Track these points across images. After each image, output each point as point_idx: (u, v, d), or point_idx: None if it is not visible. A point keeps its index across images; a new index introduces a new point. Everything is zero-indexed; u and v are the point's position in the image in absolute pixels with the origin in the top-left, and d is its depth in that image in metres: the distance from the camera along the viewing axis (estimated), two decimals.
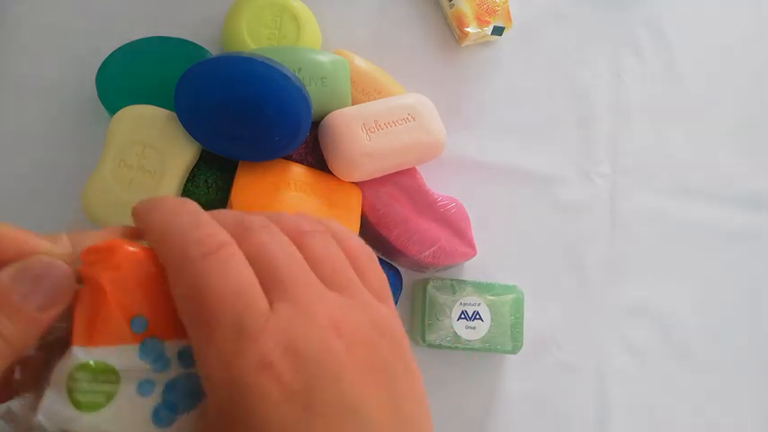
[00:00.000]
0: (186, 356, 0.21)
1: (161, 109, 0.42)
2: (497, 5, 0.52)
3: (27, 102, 0.46)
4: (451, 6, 0.51)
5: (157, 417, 0.20)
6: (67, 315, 0.20)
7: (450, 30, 0.53)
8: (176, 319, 0.20)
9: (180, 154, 0.42)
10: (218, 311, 0.18)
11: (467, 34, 0.51)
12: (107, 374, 0.20)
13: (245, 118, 0.40)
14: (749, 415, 0.52)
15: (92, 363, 0.19)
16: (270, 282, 0.19)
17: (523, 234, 0.51)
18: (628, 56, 0.55)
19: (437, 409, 0.49)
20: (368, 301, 0.21)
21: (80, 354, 0.19)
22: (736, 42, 0.57)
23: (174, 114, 0.41)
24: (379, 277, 0.23)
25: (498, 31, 0.52)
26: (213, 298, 0.18)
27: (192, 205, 0.21)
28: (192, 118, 0.41)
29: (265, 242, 0.20)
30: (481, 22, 0.51)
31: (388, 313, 0.22)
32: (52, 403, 0.19)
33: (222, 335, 0.18)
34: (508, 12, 0.52)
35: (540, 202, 0.52)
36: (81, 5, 0.48)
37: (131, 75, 0.44)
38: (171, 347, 0.21)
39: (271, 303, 0.19)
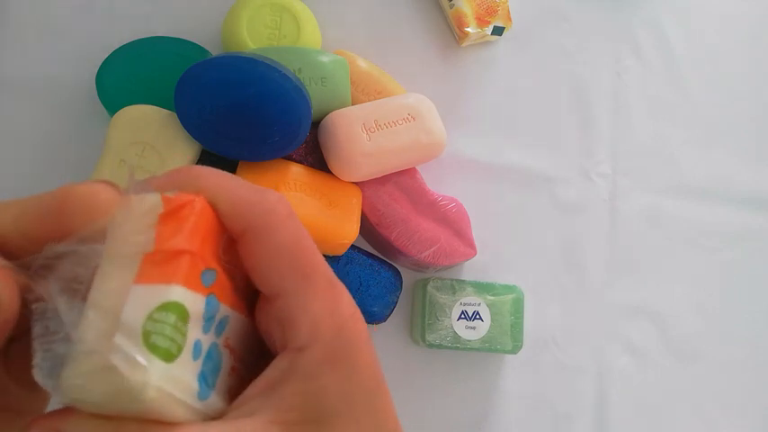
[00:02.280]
0: (222, 326, 0.20)
1: (161, 109, 0.42)
2: (497, 5, 0.52)
3: (27, 102, 0.46)
4: (451, 6, 0.51)
5: (200, 386, 0.18)
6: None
7: (450, 30, 0.53)
8: (231, 284, 0.20)
9: (180, 154, 0.42)
10: (317, 266, 0.20)
11: (467, 34, 0.51)
12: (182, 323, 0.18)
13: (245, 118, 0.40)
14: (749, 415, 0.52)
15: (179, 302, 0.17)
16: None
17: (523, 234, 0.51)
18: (628, 56, 0.55)
19: (437, 410, 0.50)
20: None
21: (174, 291, 0.17)
22: (736, 42, 0.57)
23: (174, 114, 0.41)
24: None
25: (498, 31, 0.52)
26: (311, 254, 0.20)
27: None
28: (191, 118, 0.41)
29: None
30: (481, 22, 0.51)
31: None
32: (124, 347, 0.16)
33: (322, 288, 0.20)
34: (508, 12, 0.52)
35: (541, 202, 0.52)
36: (81, 5, 0.48)
37: (131, 75, 0.44)
38: (221, 311, 0.20)
39: None
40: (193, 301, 0.18)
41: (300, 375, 0.19)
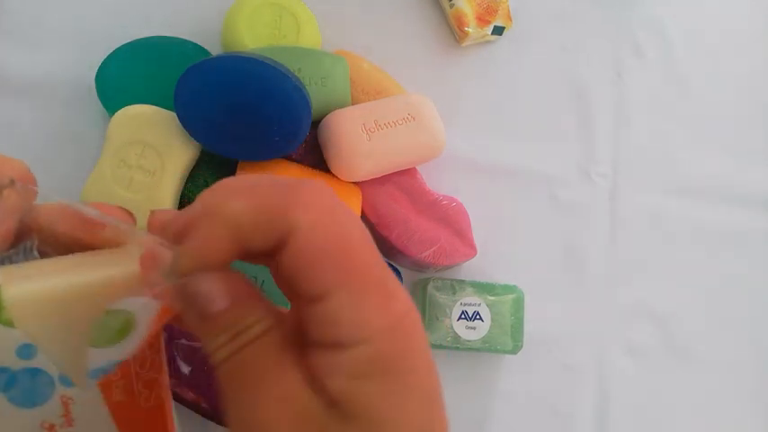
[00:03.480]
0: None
1: (160, 109, 0.42)
2: (497, 5, 0.52)
3: (27, 101, 0.46)
4: (451, 6, 0.51)
5: None
6: None
7: (451, 29, 0.53)
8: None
9: (179, 154, 0.42)
10: (362, 265, 0.19)
11: (467, 34, 0.51)
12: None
13: (245, 118, 0.40)
14: (750, 415, 0.52)
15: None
16: None
17: (524, 234, 0.51)
18: (628, 55, 0.55)
19: None
20: None
21: None
22: (736, 42, 0.57)
23: (174, 114, 0.41)
24: None
25: (498, 30, 0.52)
26: (354, 253, 0.19)
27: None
28: (191, 118, 0.41)
29: None
30: (481, 22, 0.51)
31: None
32: None
33: (370, 286, 0.19)
34: (508, 11, 0.52)
35: (541, 202, 0.52)
36: (80, 5, 0.48)
37: (131, 74, 0.44)
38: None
39: None
40: None
41: (344, 372, 0.18)
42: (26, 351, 0.21)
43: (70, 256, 0.23)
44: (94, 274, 0.22)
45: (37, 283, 0.21)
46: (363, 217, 0.45)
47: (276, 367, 0.18)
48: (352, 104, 0.45)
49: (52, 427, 0.23)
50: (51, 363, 0.22)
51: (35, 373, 0.22)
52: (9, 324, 0.21)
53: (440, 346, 0.45)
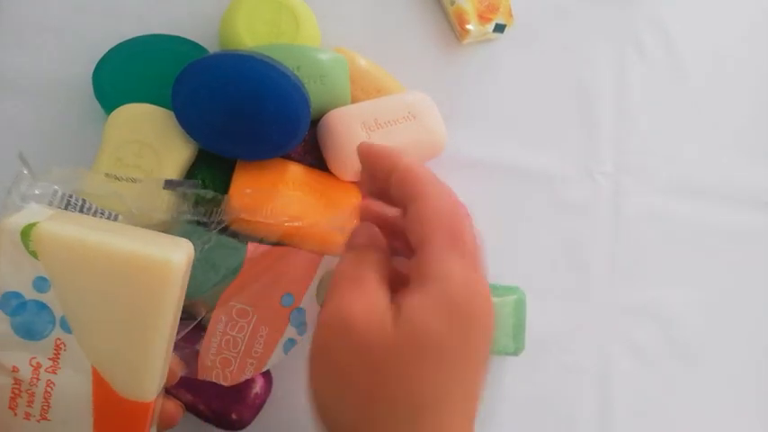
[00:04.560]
0: None
1: (158, 107, 0.42)
2: (499, 2, 0.51)
3: (24, 100, 0.46)
4: (452, 4, 0.51)
5: None
6: None
7: (452, 27, 0.52)
8: None
9: (177, 153, 0.41)
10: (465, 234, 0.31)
11: (468, 32, 0.50)
12: None
13: (243, 116, 0.39)
14: (753, 416, 0.52)
15: None
16: None
17: (525, 234, 0.51)
18: (631, 54, 0.55)
19: None
20: None
21: None
22: (740, 40, 0.57)
23: (171, 113, 0.41)
24: None
25: (500, 28, 0.52)
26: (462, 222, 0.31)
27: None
28: (189, 116, 0.40)
29: None
30: (483, 20, 0.51)
31: None
32: None
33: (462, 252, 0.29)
34: (510, 9, 0.52)
35: (543, 202, 0.51)
36: (78, 3, 0.48)
37: (128, 73, 0.43)
38: None
39: None
40: None
41: (427, 310, 0.27)
42: (41, 284, 0.24)
43: (133, 227, 0.26)
44: (124, 245, 0.24)
45: (69, 229, 0.25)
46: None
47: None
48: (352, 103, 0.45)
49: (38, 366, 0.25)
50: (58, 302, 0.24)
51: (42, 307, 0.24)
52: (34, 255, 0.24)
53: None
